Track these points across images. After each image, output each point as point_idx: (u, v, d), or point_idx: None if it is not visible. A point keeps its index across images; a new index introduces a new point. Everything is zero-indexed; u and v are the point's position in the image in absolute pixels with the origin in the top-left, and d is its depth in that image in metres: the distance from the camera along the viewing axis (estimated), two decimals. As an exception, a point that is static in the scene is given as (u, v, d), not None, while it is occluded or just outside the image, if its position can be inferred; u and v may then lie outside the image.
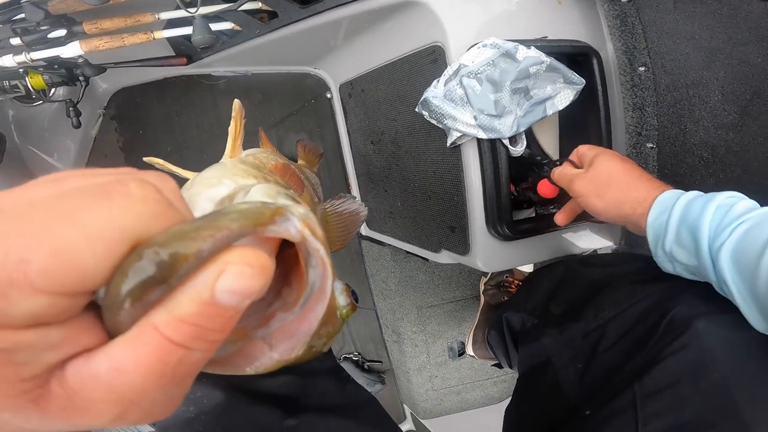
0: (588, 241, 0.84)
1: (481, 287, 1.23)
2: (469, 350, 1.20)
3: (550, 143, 0.82)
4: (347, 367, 1.33)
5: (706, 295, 0.50)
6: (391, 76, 0.86)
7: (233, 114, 0.51)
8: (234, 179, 0.31)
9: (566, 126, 0.80)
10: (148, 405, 0.17)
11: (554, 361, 0.65)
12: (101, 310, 0.16)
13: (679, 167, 0.66)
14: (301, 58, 1.05)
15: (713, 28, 0.58)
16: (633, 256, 0.72)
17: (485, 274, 1.23)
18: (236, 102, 0.51)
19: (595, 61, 0.70)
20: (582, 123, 0.75)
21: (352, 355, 1.36)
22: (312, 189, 0.56)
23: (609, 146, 0.73)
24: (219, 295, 0.16)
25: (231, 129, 0.49)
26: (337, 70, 1.06)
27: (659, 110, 0.67)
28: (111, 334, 0.16)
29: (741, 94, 0.55)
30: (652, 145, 0.69)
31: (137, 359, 0.16)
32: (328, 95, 1.10)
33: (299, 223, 0.20)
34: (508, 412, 0.75)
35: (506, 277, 1.18)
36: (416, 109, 0.72)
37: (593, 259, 0.81)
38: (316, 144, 0.92)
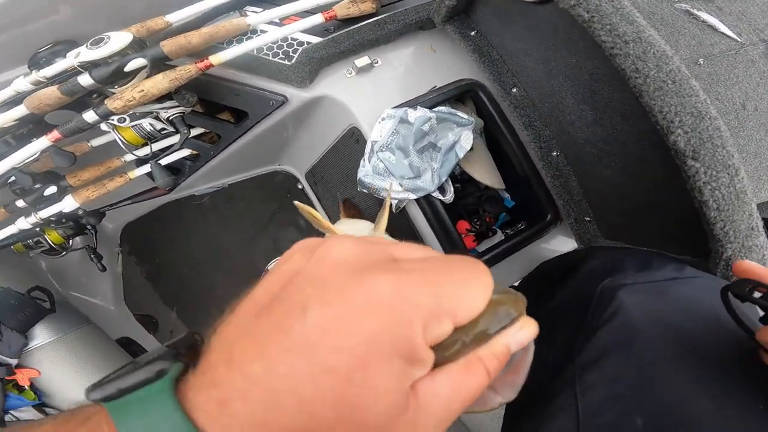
0: (556, 246, 0.86)
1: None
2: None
3: (486, 175, 0.86)
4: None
5: (636, 265, 0.54)
6: (335, 159, 0.95)
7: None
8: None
9: (495, 155, 0.85)
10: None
11: None
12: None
13: (584, 166, 0.68)
14: (264, 159, 1.16)
15: (534, 41, 0.63)
16: (584, 249, 0.76)
17: None
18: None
19: (481, 93, 0.76)
20: (501, 149, 0.80)
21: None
22: None
23: (529, 164, 0.77)
24: (512, 342, 0.23)
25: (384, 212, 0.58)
26: (298, 162, 1.15)
27: (546, 122, 0.71)
28: (436, 364, 0.21)
29: (583, 93, 0.58)
30: (557, 153, 0.72)
31: (468, 381, 0.21)
32: (300, 186, 1.20)
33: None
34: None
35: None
36: (358, 189, 0.79)
37: (566, 254, 0.83)
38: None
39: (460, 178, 0.88)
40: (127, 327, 1.36)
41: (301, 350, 0.18)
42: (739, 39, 0.67)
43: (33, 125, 0.73)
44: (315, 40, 0.75)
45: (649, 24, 0.54)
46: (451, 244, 0.77)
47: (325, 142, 0.94)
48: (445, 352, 0.21)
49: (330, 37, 0.73)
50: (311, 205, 1.22)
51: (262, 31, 0.73)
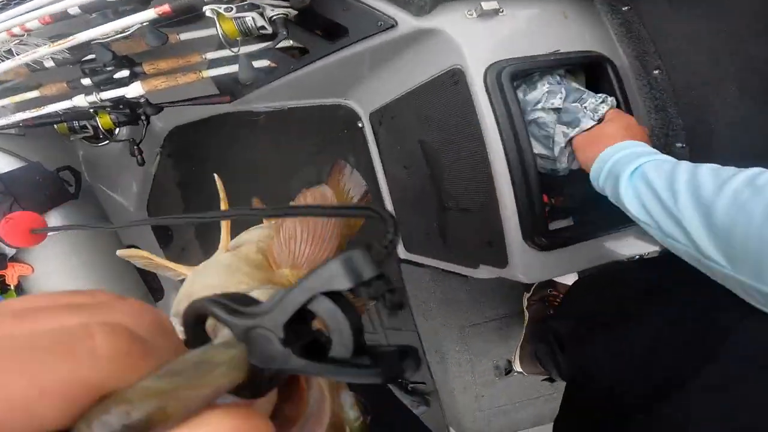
0: (632, 248, 0.82)
1: (525, 303, 1.21)
2: (517, 367, 1.18)
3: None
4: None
5: None
6: (417, 101, 0.90)
7: (221, 195, 0.48)
8: (240, 288, 0.31)
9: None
10: None
11: (605, 368, 0.64)
12: None
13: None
14: (332, 90, 1.11)
15: (712, 28, 0.59)
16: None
17: (527, 289, 1.21)
18: (217, 178, 0.49)
19: (609, 69, 0.71)
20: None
21: (395, 377, 1.36)
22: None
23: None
24: None
25: (223, 222, 0.46)
26: (365, 100, 1.11)
27: (681, 110, 0.68)
28: None
29: (755, 87, 0.55)
30: (681, 145, 0.69)
31: None
32: (360, 125, 1.16)
33: None
34: (557, 423, 0.73)
35: (549, 291, 1.16)
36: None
37: (640, 264, 0.80)
38: (353, 173, 0.84)
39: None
40: (139, 235, 1.33)
41: None
42: None
43: (138, 5, 0.68)
44: (450, -32, 0.69)
45: None
46: (531, 213, 0.74)
47: (412, 81, 0.89)
48: None
49: (468, -30, 0.67)
50: (365, 144, 1.16)
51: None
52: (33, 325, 0.16)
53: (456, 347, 1.22)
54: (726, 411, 0.42)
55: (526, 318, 1.18)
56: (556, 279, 1.14)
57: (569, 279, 1.12)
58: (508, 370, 1.24)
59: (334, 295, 0.17)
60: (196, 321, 0.19)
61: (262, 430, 0.16)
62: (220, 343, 0.18)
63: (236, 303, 0.18)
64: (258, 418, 0.16)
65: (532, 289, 1.19)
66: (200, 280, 0.35)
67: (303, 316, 0.17)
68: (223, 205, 0.45)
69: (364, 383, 0.17)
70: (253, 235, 0.47)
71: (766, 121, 0.56)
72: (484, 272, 0.90)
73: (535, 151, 0.73)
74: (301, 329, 0.18)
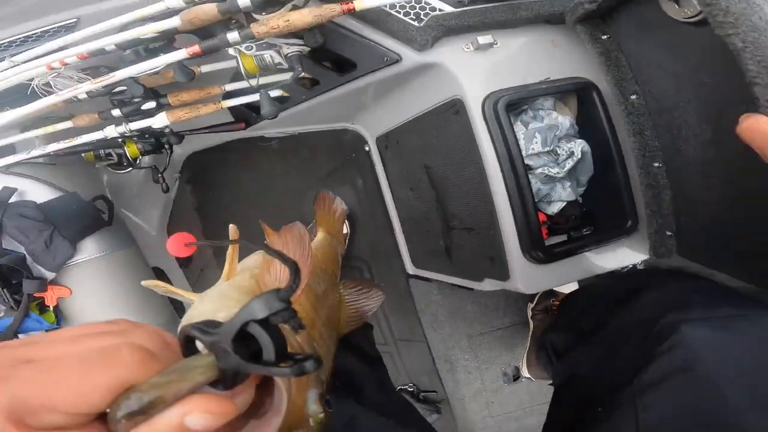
0: (622, 258, 0.88)
1: (529, 313, 1.26)
2: (525, 373, 1.23)
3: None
4: (403, 397, 1.37)
5: (703, 302, 0.58)
6: (420, 127, 0.96)
7: (230, 237, 0.55)
8: (229, 311, 0.38)
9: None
10: None
11: (581, 371, 0.72)
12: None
13: (683, 183, 0.71)
14: (340, 116, 1.18)
15: (673, 55, 0.65)
16: (652, 272, 0.79)
17: (531, 299, 1.26)
18: (232, 227, 0.57)
19: (595, 95, 0.78)
20: (596, 152, 0.83)
21: (407, 387, 1.41)
22: (320, 282, 0.58)
23: (623, 169, 0.79)
24: (189, 423, 0.23)
25: (228, 254, 0.54)
26: (372, 126, 1.17)
27: (657, 133, 0.73)
28: None
29: (709, 112, 0.60)
30: (658, 164, 0.74)
31: None
32: (367, 148, 1.22)
33: None
34: (545, 428, 0.79)
35: (552, 300, 1.21)
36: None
37: (624, 275, 0.86)
38: (336, 199, 0.93)
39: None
40: (161, 256, 1.38)
41: None
42: None
43: (166, 42, 0.75)
44: (447, 8, 0.76)
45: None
46: (528, 229, 0.79)
47: (415, 109, 0.95)
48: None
49: (463, 9, 0.75)
50: (372, 168, 1.23)
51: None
52: (83, 345, 0.25)
53: (465, 356, 1.27)
54: (661, 405, 0.49)
55: (531, 327, 1.24)
56: (557, 289, 1.20)
57: (570, 288, 1.17)
58: (516, 377, 1.29)
59: (264, 321, 0.25)
60: (186, 339, 0.27)
61: (223, 407, 0.24)
62: (200, 354, 0.26)
63: (207, 326, 0.27)
64: (222, 401, 0.24)
65: (536, 299, 1.24)
66: (198, 307, 0.44)
67: (250, 333, 0.26)
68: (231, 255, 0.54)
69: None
70: (252, 261, 0.56)
71: (720, 142, 0.60)
72: (488, 285, 0.96)
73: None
74: (250, 343, 0.26)
